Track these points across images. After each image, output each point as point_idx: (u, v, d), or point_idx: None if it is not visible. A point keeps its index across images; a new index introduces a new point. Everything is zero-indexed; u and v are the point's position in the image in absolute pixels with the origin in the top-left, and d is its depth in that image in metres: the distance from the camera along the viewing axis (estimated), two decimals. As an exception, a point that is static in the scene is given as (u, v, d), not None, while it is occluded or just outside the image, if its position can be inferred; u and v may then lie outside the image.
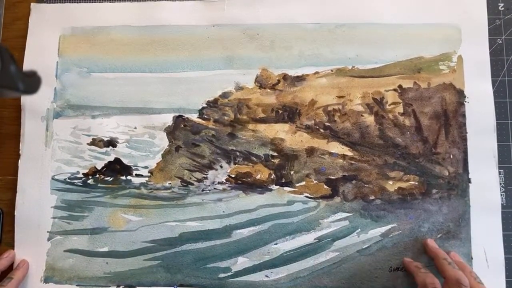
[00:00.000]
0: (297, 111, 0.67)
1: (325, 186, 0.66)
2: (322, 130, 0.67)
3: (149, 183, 0.67)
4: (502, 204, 0.65)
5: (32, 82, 0.46)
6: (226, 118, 0.68)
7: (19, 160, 0.68)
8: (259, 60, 0.69)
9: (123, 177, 0.67)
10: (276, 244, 0.65)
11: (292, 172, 0.66)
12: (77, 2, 0.71)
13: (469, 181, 0.65)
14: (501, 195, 0.65)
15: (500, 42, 0.68)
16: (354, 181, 0.66)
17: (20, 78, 0.44)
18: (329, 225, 0.65)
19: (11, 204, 0.67)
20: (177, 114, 0.68)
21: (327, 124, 0.67)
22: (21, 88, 0.44)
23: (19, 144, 0.68)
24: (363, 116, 0.67)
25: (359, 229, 0.65)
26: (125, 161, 0.68)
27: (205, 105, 0.68)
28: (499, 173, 0.66)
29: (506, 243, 0.64)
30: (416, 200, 0.65)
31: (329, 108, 0.67)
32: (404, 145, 0.66)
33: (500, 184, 0.65)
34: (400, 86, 0.67)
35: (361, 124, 0.67)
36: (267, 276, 0.64)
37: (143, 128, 0.68)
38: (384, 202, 0.65)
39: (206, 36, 0.69)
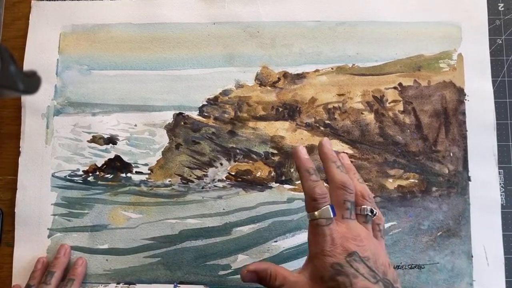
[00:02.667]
0: (297, 108, 0.68)
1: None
2: (322, 128, 0.67)
3: (149, 180, 0.67)
4: (502, 204, 0.65)
5: (32, 82, 0.46)
6: (226, 115, 0.68)
7: (19, 158, 0.68)
8: (260, 58, 0.69)
9: (123, 175, 0.67)
10: (276, 241, 0.65)
11: (292, 170, 0.67)
12: (78, 0, 0.71)
13: (469, 179, 0.65)
14: (501, 195, 0.65)
15: (500, 42, 0.69)
16: (354, 179, 0.66)
17: (20, 78, 0.43)
18: (329, 222, 0.65)
19: (11, 204, 0.67)
20: (177, 112, 0.68)
21: (327, 122, 0.67)
22: (21, 88, 0.44)
23: (19, 144, 0.68)
24: (363, 114, 0.67)
25: (359, 227, 0.65)
26: (125, 158, 0.68)
27: (205, 103, 0.68)
28: (499, 173, 0.66)
29: (506, 243, 0.64)
30: (416, 198, 0.65)
31: (329, 106, 0.67)
32: (404, 143, 0.66)
33: (500, 184, 0.65)
34: (400, 84, 0.68)
35: (361, 122, 0.67)
36: (266, 274, 0.64)
37: (143, 125, 0.68)
38: (384, 199, 0.65)
39: (206, 33, 0.70)
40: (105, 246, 0.66)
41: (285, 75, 0.68)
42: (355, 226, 0.49)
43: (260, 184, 0.66)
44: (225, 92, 0.68)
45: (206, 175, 0.67)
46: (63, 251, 0.65)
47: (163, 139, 0.68)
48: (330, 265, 0.45)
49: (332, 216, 0.48)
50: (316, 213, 0.48)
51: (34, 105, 0.69)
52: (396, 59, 0.68)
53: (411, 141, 0.66)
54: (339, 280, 0.44)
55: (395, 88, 0.68)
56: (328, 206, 0.48)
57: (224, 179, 0.67)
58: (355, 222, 0.49)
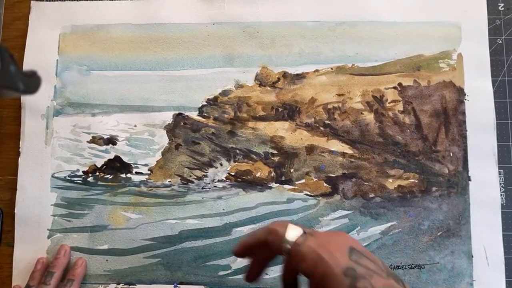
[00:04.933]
0: (297, 109, 0.67)
1: (325, 184, 0.66)
2: (322, 128, 0.67)
3: (149, 181, 0.67)
4: (502, 204, 0.65)
5: (32, 82, 0.46)
6: (226, 116, 0.68)
7: (19, 158, 0.68)
8: (259, 58, 0.69)
9: (123, 175, 0.67)
10: (276, 242, 0.65)
11: (292, 170, 0.66)
12: (77, 0, 0.71)
13: (469, 179, 0.65)
14: (501, 195, 0.65)
15: (500, 42, 0.68)
16: (354, 179, 0.66)
17: (20, 78, 0.44)
18: (329, 222, 0.65)
19: (11, 204, 0.67)
20: (177, 112, 0.68)
21: (327, 122, 0.67)
22: (21, 88, 0.44)
23: (19, 144, 0.68)
24: (363, 114, 0.67)
25: (359, 227, 0.65)
26: (125, 159, 0.68)
27: (205, 103, 0.68)
28: (499, 173, 0.66)
29: (506, 243, 0.64)
30: (416, 198, 0.65)
31: (329, 106, 0.67)
32: (404, 143, 0.66)
33: (500, 184, 0.65)
34: (400, 84, 0.67)
35: (361, 122, 0.67)
36: (266, 274, 0.64)
37: (143, 126, 0.68)
38: (384, 200, 0.65)
39: (206, 34, 0.70)
40: (105, 247, 0.66)
41: (285, 75, 0.68)
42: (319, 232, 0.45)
43: (260, 185, 0.66)
44: (224, 93, 0.68)
45: (206, 176, 0.67)
46: (63, 251, 0.65)
47: (162, 140, 0.68)
48: (343, 273, 0.38)
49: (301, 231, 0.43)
50: (285, 237, 0.42)
51: (33, 106, 0.69)
52: (396, 59, 0.68)
53: (411, 141, 0.66)
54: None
55: (394, 88, 0.68)
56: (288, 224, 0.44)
57: (224, 179, 0.67)
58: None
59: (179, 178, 0.67)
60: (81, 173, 0.68)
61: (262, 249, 0.45)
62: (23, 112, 0.69)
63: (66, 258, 0.65)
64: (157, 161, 0.68)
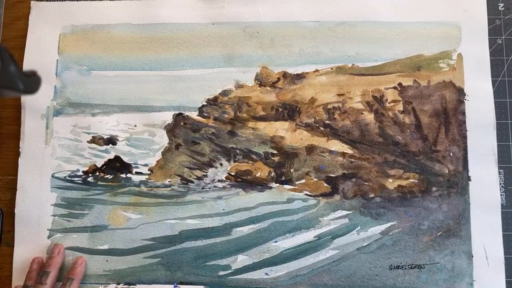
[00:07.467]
0: (297, 109, 0.68)
1: (325, 184, 0.66)
2: (322, 128, 0.67)
3: (149, 181, 0.67)
4: (502, 204, 0.65)
5: (32, 82, 0.46)
6: (226, 116, 0.68)
7: (19, 158, 0.68)
8: (259, 58, 0.69)
9: (123, 175, 0.67)
10: (276, 242, 0.65)
11: (292, 170, 0.67)
12: (77, 0, 0.71)
13: (469, 179, 0.65)
14: (501, 195, 0.65)
15: (500, 42, 0.69)
16: (354, 179, 0.66)
17: (20, 78, 0.44)
18: (329, 223, 0.65)
19: (11, 204, 0.67)
20: (177, 112, 0.68)
21: (327, 122, 0.67)
22: (21, 88, 0.44)
23: (19, 144, 0.68)
24: (363, 114, 0.67)
25: (359, 227, 0.65)
26: (125, 159, 0.68)
27: (205, 103, 0.68)
28: (499, 173, 0.66)
29: (506, 243, 0.64)
30: (416, 198, 0.65)
31: (329, 106, 0.67)
32: (404, 143, 0.66)
33: (500, 184, 0.65)
34: (400, 84, 0.68)
35: (361, 122, 0.67)
36: (267, 274, 0.64)
37: (143, 126, 0.68)
38: (384, 200, 0.65)
39: (206, 34, 0.70)
40: (105, 247, 0.66)
41: (285, 75, 0.68)
42: None
43: (260, 185, 0.66)
44: (224, 93, 0.68)
45: (206, 176, 0.67)
46: (57, 250, 0.65)
47: (163, 140, 0.68)
48: None
49: None
50: None
51: (33, 106, 0.69)
52: (396, 59, 0.68)
53: (411, 141, 0.66)
54: None
55: (394, 88, 0.68)
56: None
57: (224, 179, 0.67)
58: None
59: (179, 178, 0.67)
60: (81, 173, 0.68)
61: None
62: (23, 112, 0.69)
63: (60, 257, 0.65)
64: (157, 161, 0.68)
